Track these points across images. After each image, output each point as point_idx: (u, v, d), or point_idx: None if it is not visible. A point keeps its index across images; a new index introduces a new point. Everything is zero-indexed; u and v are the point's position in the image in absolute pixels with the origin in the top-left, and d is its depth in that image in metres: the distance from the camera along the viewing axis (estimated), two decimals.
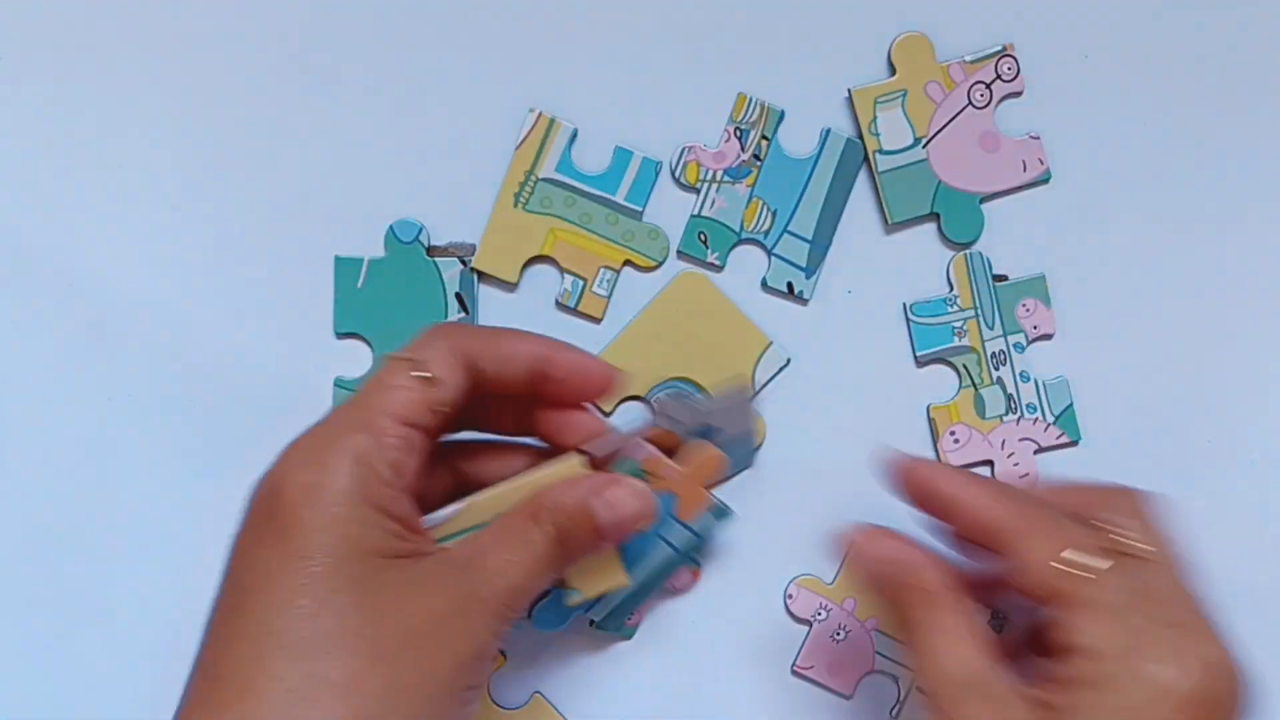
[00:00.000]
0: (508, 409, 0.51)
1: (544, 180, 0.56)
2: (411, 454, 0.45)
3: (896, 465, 0.49)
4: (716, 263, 0.57)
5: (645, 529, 0.48)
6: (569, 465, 0.48)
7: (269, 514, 0.43)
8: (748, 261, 0.57)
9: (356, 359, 0.56)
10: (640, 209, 0.57)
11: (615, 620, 0.56)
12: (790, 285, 0.57)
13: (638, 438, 0.52)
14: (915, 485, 0.48)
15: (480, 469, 0.51)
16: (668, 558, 0.54)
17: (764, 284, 0.57)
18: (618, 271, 0.57)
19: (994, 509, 0.46)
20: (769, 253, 0.57)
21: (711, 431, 0.53)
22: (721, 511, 0.54)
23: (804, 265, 0.57)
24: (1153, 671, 0.43)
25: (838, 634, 0.57)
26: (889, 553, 0.48)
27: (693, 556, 0.56)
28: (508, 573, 0.45)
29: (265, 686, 0.41)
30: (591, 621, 0.56)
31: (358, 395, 0.46)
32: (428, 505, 0.47)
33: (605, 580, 0.50)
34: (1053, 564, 0.45)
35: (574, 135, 0.57)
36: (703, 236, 0.57)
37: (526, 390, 0.49)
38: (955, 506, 0.47)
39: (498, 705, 0.56)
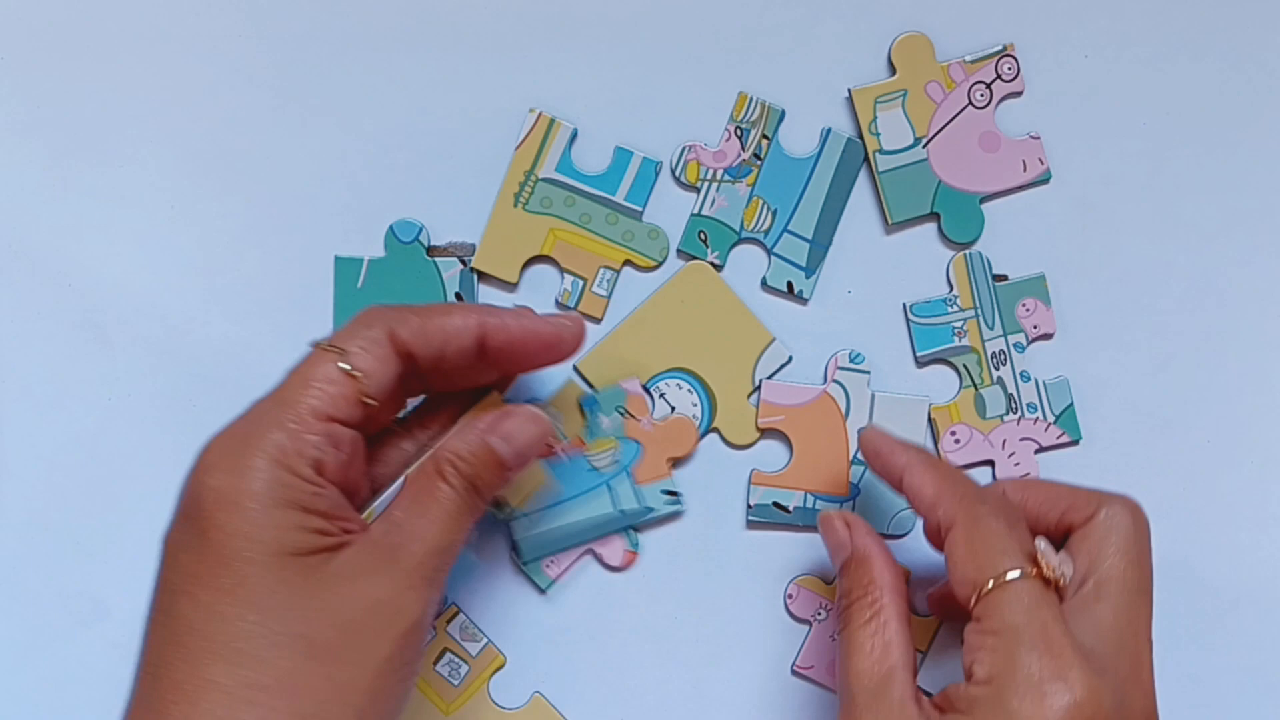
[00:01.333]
0: (470, 376, 0.50)
1: (544, 180, 0.56)
2: (337, 447, 0.45)
3: (867, 438, 0.51)
4: (716, 262, 0.57)
5: (550, 450, 0.50)
6: (490, 401, 0.48)
7: (191, 517, 0.43)
8: (748, 261, 0.57)
9: None
10: (640, 209, 0.57)
11: (535, 559, 0.56)
12: (790, 285, 0.57)
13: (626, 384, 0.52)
14: (875, 464, 0.51)
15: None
16: (605, 512, 0.54)
17: (764, 283, 0.57)
18: (618, 271, 0.57)
19: (942, 500, 0.48)
20: (769, 252, 0.57)
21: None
22: (672, 498, 0.53)
23: (804, 265, 0.57)
24: (1015, 707, 0.43)
25: (837, 634, 0.56)
26: (851, 538, 0.50)
27: (631, 527, 0.56)
28: (425, 537, 0.45)
29: (201, 689, 0.41)
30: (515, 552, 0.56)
31: (280, 389, 0.45)
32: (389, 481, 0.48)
33: (529, 482, 0.51)
34: (975, 576, 0.46)
35: (574, 135, 0.57)
36: (703, 235, 0.57)
37: (479, 361, 0.49)
38: (910, 483, 0.49)
39: (498, 705, 0.56)
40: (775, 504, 0.57)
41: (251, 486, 0.43)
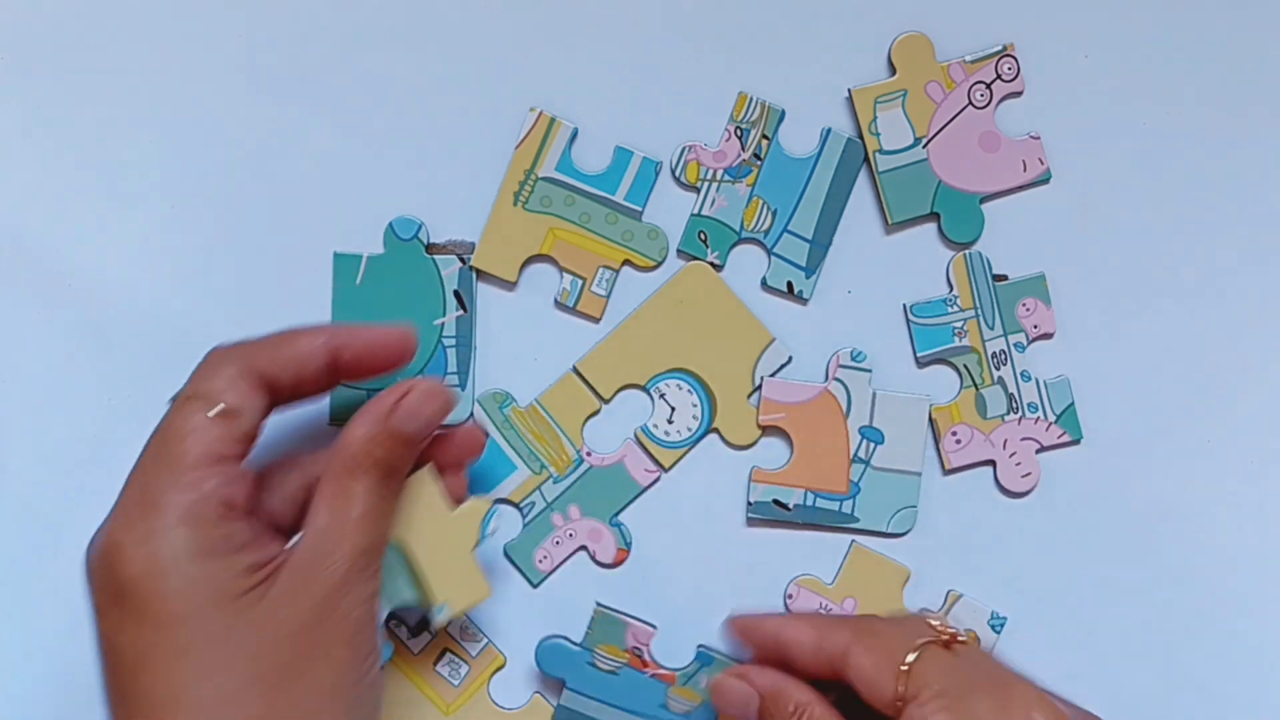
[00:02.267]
0: (327, 388, 0.50)
1: (544, 179, 0.56)
2: (238, 482, 0.45)
3: (732, 624, 0.54)
4: (716, 262, 0.57)
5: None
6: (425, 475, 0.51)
7: (118, 594, 0.43)
8: (748, 261, 0.57)
9: None
10: (640, 209, 0.57)
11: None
12: (790, 285, 0.57)
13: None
14: (750, 640, 0.53)
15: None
16: None
17: (764, 283, 0.57)
18: (617, 271, 0.57)
19: (825, 633, 0.50)
20: (769, 252, 0.57)
21: None
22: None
23: (804, 265, 0.57)
24: None
25: None
26: (753, 683, 0.51)
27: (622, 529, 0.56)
28: (351, 538, 0.46)
29: None
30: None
31: (160, 448, 0.45)
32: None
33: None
34: (889, 665, 0.48)
35: (574, 134, 0.57)
36: (703, 235, 0.57)
37: (330, 380, 0.49)
38: (787, 647, 0.51)
39: (498, 705, 0.56)
40: (775, 501, 0.56)
41: (172, 549, 0.43)
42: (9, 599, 0.56)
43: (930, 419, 0.57)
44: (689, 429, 0.57)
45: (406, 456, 0.49)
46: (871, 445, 0.57)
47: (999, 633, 0.56)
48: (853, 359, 0.57)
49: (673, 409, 0.57)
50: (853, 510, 0.56)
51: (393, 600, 0.50)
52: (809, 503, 0.56)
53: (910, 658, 0.47)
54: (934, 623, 0.50)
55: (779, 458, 0.57)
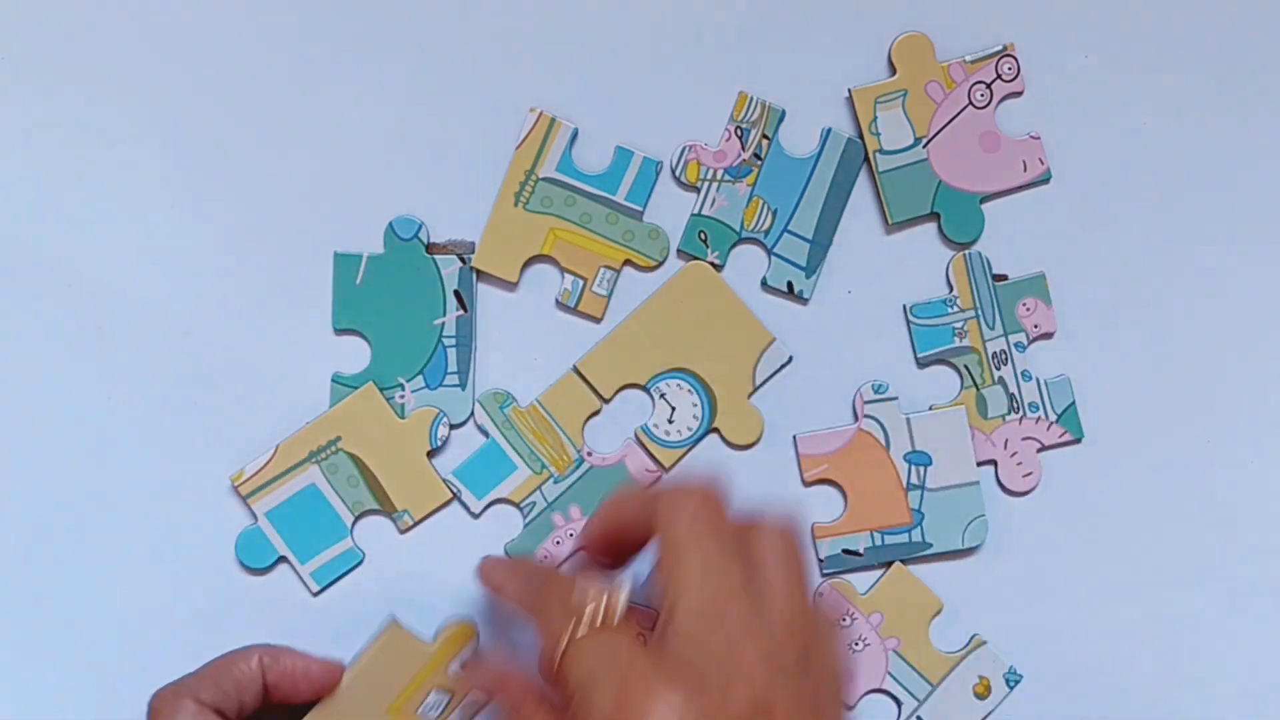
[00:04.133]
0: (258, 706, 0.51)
1: (544, 179, 0.56)
2: None
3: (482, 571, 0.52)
4: (717, 261, 0.57)
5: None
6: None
7: None
8: (748, 261, 0.57)
9: (355, 355, 0.56)
10: (640, 209, 0.57)
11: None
12: (790, 285, 0.57)
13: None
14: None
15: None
16: None
17: (764, 283, 0.57)
18: (618, 271, 0.57)
19: (519, 594, 0.49)
20: (769, 252, 0.57)
21: None
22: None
23: (804, 264, 0.57)
24: None
25: (856, 644, 0.56)
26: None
27: None
28: None
29: None
30: None
31: None
32: None
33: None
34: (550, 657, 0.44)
35: (574, 135, 0.57)
36: (703, 235, 0.57)
37: (265, 697, 0.51)
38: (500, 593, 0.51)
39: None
40: (845, 551, 0.56)
41: None
42: (8, 599, 0.55)
43: None
44: (690, 429, 0.57)
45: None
46: (922, 469, 0.56)
47: (1012, 688, 0.56)
48: (876, 392, 0.57)
49: (673, 409, 0.57)
50: (923, 537, 0.56)
51: (356, 510, 0.55)
52: (878, 543, 0.56)
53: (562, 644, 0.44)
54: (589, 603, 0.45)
55: (834, 507, 0.57)
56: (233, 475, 0.55)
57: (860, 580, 0.57)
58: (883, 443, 0.56)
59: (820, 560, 0.56)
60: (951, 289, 0.57)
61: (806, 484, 0.57)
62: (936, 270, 0.58)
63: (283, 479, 0.55)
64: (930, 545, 0.56)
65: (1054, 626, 0.57)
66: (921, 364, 0.57)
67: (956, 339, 0.57)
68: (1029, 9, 0.58)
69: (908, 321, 0.57)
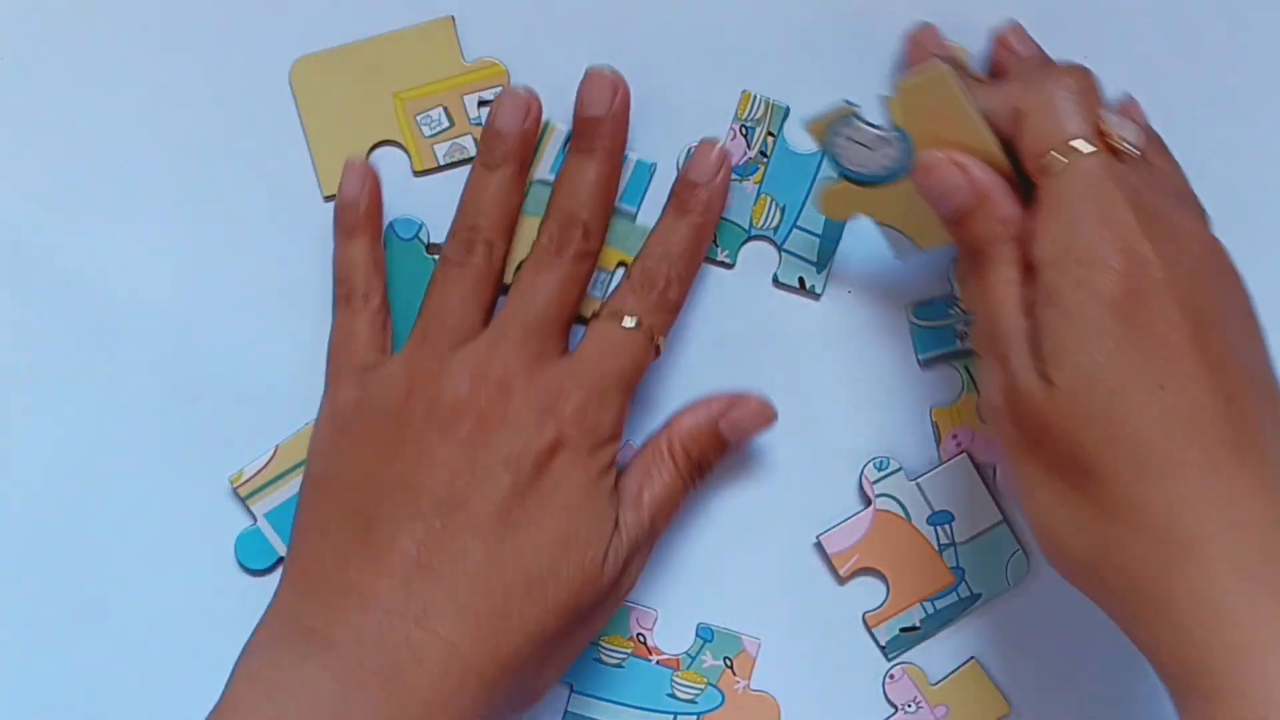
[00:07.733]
0: None
1: (539, 182, 0.56)
2: None
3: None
4: (727, 260, 0.56)
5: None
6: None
7: None
8: (758, 258, 0.57)
9: None
10: (634, 210, 0.56)
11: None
12: (802, 280, 0.56)
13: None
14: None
15: None
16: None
17: (775, 280, 0.57)
18: (611, 273, 0.56)
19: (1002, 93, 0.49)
20: (779, 249, 0.56)
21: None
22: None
23: (815, 260, 0.56)
24: (1080, 275, 0.44)
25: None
26: (969, 180, 0.48)
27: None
28: (645, 503, 0.51)
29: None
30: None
31: None
32: None
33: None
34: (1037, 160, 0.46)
35: (568, 138, 0.56)
36: None
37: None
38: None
39: None
40: (902, 630, 0.55)
41: None
42: (9, 599, 0.55)
43: (933, 424, 0.56)
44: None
45: (717, 458, 0.54)
46: (948, 527, 0.56)
47: None
48: (879, 470, 0.56)
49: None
50: (970, 591, 0.55)
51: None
52: (931, 611, 0.56)
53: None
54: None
55: (877, 593, 0.56)
56: (232, 476, 0.54)
57: (935, 667, 0.56)
58: (903, 515, 0.56)
59: (881, 647, 0.55)
60: (953, 289, 0.57)
61: (844, 580, 0.56)
62: (938, 271, 0.57)
63: (282, 480, 0.54)
64: (980, 595, 0.56)
65: (1053, 627, 0.56)
66: (923, 366, 0.57)
67: (959, 341, 0.57)
68: (1029, 9, 0.58)
69: (909, 323, 0.57)
